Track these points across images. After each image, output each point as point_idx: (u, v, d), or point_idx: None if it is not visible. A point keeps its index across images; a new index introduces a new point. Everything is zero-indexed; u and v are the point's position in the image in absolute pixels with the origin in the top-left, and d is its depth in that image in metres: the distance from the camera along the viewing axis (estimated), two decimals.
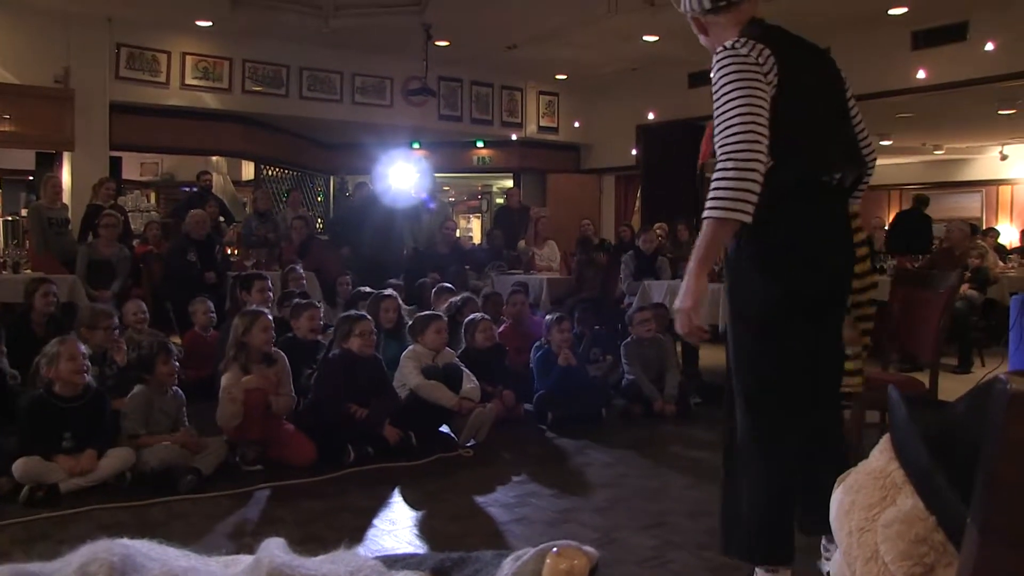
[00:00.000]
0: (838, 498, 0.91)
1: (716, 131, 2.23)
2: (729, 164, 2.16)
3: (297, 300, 5.40)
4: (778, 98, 2.25)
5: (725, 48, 2.28)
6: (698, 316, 2.28)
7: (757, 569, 2.50)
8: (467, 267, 8.95)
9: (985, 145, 14.65)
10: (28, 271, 6.66)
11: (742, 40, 2.28)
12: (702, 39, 2.54)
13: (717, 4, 2.40)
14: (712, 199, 2.18)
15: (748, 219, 2.16)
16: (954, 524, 0.71)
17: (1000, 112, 10.89)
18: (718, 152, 2.21)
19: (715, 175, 2.19)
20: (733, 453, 2.57)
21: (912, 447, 0.79)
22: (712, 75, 2.30)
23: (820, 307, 2.45)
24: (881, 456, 0.85)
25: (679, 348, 6.38)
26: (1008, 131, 13.06)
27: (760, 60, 2.24)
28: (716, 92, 2.26)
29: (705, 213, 2.20)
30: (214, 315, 6.07)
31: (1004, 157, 14.76)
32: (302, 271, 7.13)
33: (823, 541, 2.62)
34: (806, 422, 2.49)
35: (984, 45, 8.47)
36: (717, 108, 2.25)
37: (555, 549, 0.84)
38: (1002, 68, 8.46)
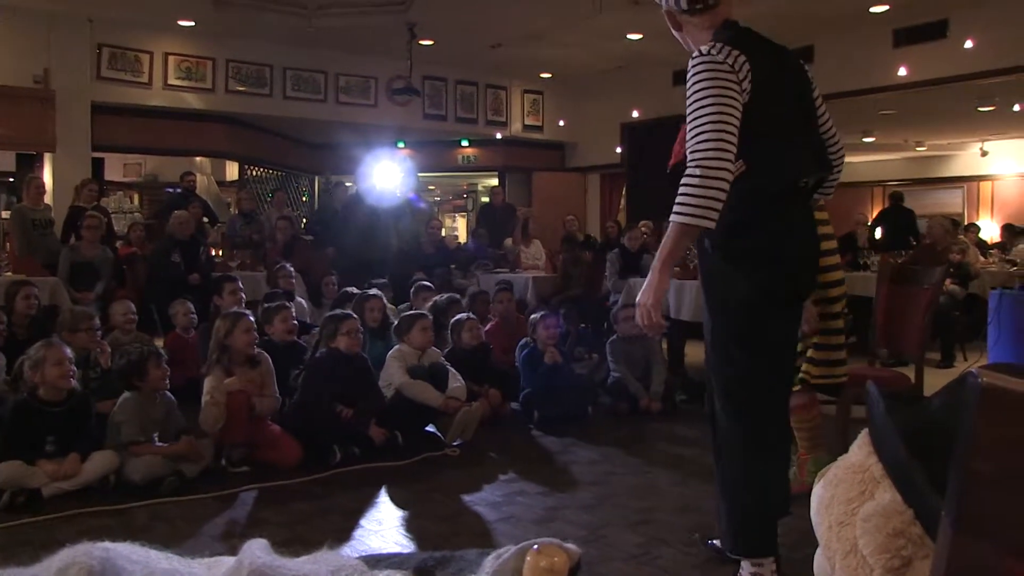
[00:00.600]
0: (818, 493, 0.92)
1: (688, 136, 2.27)
2: (697, 171, 2.21)
3: (267, 304, 5.34)
4: (751, 104, 2.29)
5: (700, 54, 2.31)
6: (658, 312, 2.35)
7: (743, 562, 2.52)
8: (452, 266, 8.94)
9: (966, 141, 14.76)
10: (9, 274, 6.60)
11: (718, 46, 2.31)
12: (676, 34, 2.59)
13: (694, 6, 2.45)
14: (679, 203, 2.23)
15: (711, 225, 2.21)
16: (931, 517, 0.72)
17: (980, 109, 10.97)
18: (688, 156, 2.25)
19: (683, 180, 2.24)
20: (718, 449, 2.62)
21: (890, 442, 0.80)
22: (687, 79, 2.33)
23: (791, 302, 2.57)
24: (860, 451, 0.86)
25: (664, 345, 6.40)
26: (988, 127, 13.17)
27: (735, 67, 2.27)
28: (690, 97, 2.30)
29: (672, 216, 2.26)
30: (195, 316, 6.03)
31: (984, 153, 14.88)
32: (291, 269, 7.09)
33: None
34: (783, 413, 2.61)
35: (964, 43, 8.54)
36: (690, 113, 2.28)
37: (536, 547, 0.85)
38: (982, 65, 8.53)
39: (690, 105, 2.28)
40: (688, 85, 2.31)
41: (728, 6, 2.48)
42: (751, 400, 2.49)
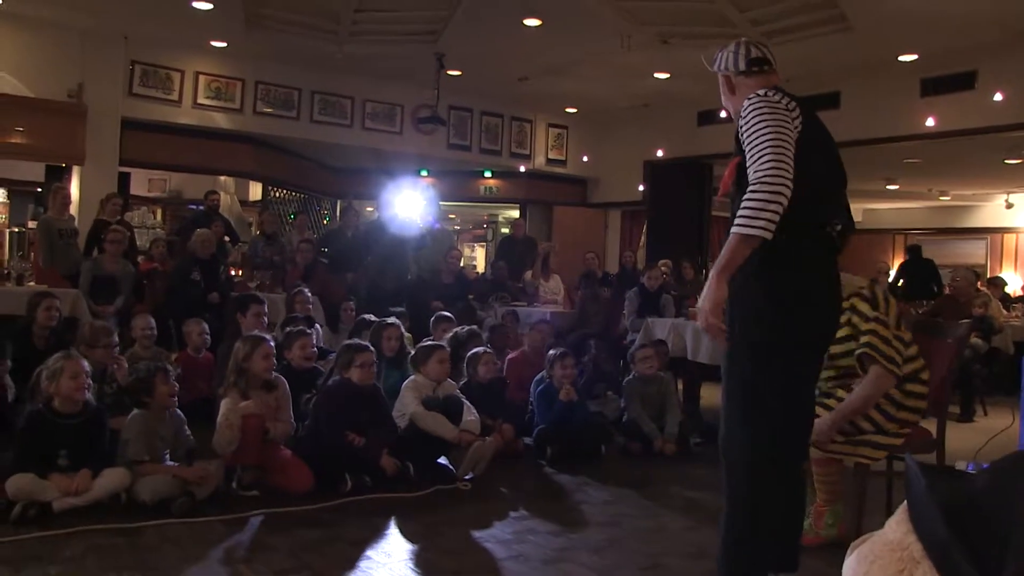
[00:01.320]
0: (852, 566, 0.90)
1: (748, 160, 2.41)
2: (758, 186, 2.35)
3: (288, 329, 5.35)
4: (800, 145, 2.44)
5: (757, 95, 2.50)
6: (716, 317, 2.46)
7: None
8: (471, 296, 8.93)
9: (991, 193, 14.69)
10: (32, 284, 6.66)
11: (773, 90, 2.52)
12: (726, 99, 2.77)
13: (751, 69, 2.67)
14: (740, 216, 2.36)
15: (769, 236, 2.34)
16: None
17: (1007, 161, 10.92)
18: (750, 177, 2.38)
19: (746, 195, 2.37)
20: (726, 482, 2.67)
21: (930, 521, 0.78)
22: (744, 115, 2.50)
23: (818, 345, 2.70)
24: (898, 528, 0.83)
25: (680, 387, 6.35)
26: (1014, 180, 13.10)
27: (789, 107, 2.47)
28: (747, 129, 2.45)
29: (733, 228, 2.39)
30: (208, 336, 6.04)
31: (1009, 205, 14.80)
32: (309, 295, 7.10)
33: None
34: (797, 452, 2.69)
35: (992, 95, 8.51)
36: (749, 142, 2.43)
37: None
38: (1010, 118, 8.49)
39: (749, 134, 2.43)
40: (745, 119, 2.47)
41: (777, 75, 2.71)
42: (770, 434, 2.57)
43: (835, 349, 3.39)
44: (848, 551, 0.94)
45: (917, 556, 0.78)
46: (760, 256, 2.42)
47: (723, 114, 2.86)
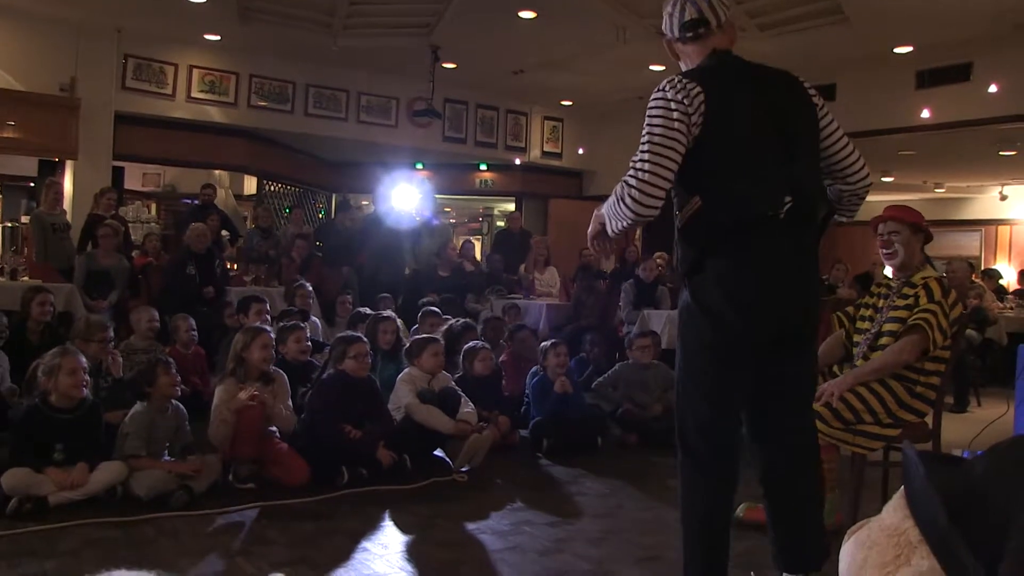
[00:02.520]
0: (850, 551, 0.90)
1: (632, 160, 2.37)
2: (622, 187, 2.34)
3: (282, 323, 5.34)
4: (704, 138, 2.33)
5: (658, 89, 2.39)
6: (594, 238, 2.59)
7: None
8: (469, 296, 8.92)
9: (985, 185, 14.70)
10: (26, 278, 6.64)
11: (675, 80, 2.37)
12: (677, 63, 2.63)
13: (684, 35, 2.51)
14: (611, 203, 2.41)
15: (613, 231, 2.45)
16: None
17: (1001, 153, 10.92)
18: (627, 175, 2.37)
19: (619, 188, 2.37)
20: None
21: (929, 507, 0.78)
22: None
23: (761, 348, 2.45)
24: (896, 513, 0.83)
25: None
26: (1008, 172, 13.10)
27: (686, 101, 2.32)
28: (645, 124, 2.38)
29: (604, 206, 2.48)
30: (195, 332, 6.03)
31: (1004, 197, 14.81)
32: (310, 287, 7.09)
33: None
34: (731, 465, 2.51)
35: (987, 87, 8.51)
36: (641, 141, 2.37)
37: None
38: (1004, 110, 8.49)
39: (643, 133, 2.38)
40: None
41: (722, 37, 2.50)
42: (699, 446, 2.48)
43: (888, 327, 3.43)
44: (845, 537, 0.94)
45: (914, 541, 0.78)
46: (687, 263, 2.43)
47: None
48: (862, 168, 2.61)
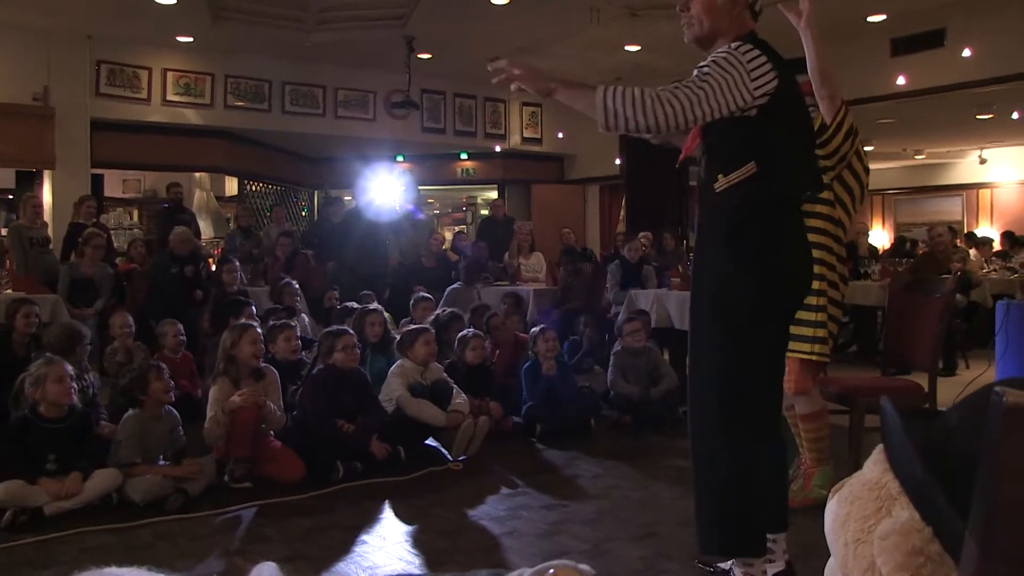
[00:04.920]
0: (833, 508, 0.91)
1: (679, 85, 2.34)
2: (651, 99, 2.30)
3: (272, 322, 5.32)
4: (773, 110, 2.36)
5: (729, 48, 2.37)
6: (517, 68, 2.48)
7: (733, 566, 2.53)
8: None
9: (964, 149, 14.78)
10: (8, 291, 6.59)
11: (747, 46, 2.37)
12: (706, 20, 2.51)
13: (755, 11, 2.53)
14: (616, 93, 2.34)
15: (603, 130, 2.38)
16: (951, 536, 0.71)
17: (978, 117, 10.97)
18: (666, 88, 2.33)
19: (666, 88, 2.33)
20: (700, 451, 2.58)
21: (906, 459, 0.79)
22: (710, 58, 2.39)
23: (790, 311, 2.61)
24: (875, 467, 0.84)
25: (666, 357, 6.38)
26: (986, 135, 13.18)
27: (762, 71, 2.34)
28: (703, 66, 2.36)
29: (599, 90, 2.36)
30: (184, 337, 6.01)
31: (983, 161, 14.90)
32: (297, 286, 7.07)
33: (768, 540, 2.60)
34: (774, 417, 2.61)
35: (961, 51, 8.54)
36: (695, 76, 2.35)
37: (552, 571, 0.83)
38: (980, 74, 8.53)
39: (700, 71, 2.35)
40: (706, 59, 2.38)
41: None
42: (746, 405, 2.48)
43: None
44: (829, 496, 0.95)
45: (894, 493, 0.79)
46: (732, 227, 2.43)
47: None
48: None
